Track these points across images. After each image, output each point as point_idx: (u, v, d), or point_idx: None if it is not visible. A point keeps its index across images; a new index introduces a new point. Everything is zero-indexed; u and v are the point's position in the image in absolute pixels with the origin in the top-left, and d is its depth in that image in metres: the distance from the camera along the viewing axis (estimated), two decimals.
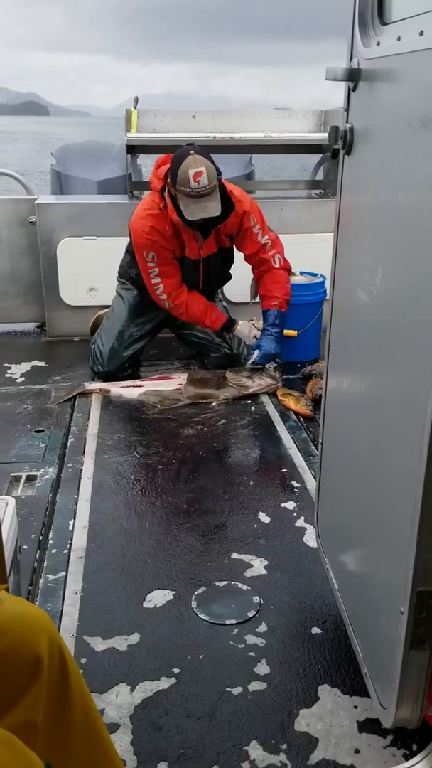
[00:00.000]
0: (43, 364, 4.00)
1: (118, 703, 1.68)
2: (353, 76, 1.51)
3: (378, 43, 1.42)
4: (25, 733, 1.00)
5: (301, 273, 3.93)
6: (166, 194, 3.33)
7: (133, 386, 3.58)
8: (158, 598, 2.05)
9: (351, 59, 1.53)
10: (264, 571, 2.17)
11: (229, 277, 3.79)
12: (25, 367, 3.94)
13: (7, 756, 0.90)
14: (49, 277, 4.31)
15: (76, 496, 2.59)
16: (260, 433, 3.15)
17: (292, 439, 3.06)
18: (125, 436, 3.10)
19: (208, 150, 3.27)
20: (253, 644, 1.87)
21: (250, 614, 1.98)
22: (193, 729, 1.61)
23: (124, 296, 3.76)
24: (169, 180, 3.27)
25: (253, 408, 3.39)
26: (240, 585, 2.10)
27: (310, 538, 2.32)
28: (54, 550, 2.27)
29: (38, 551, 2.23)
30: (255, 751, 1.56)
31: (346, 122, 1.59)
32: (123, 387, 3.57)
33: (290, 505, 2.55)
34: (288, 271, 3.62)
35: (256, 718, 1.64)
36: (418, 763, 1.52)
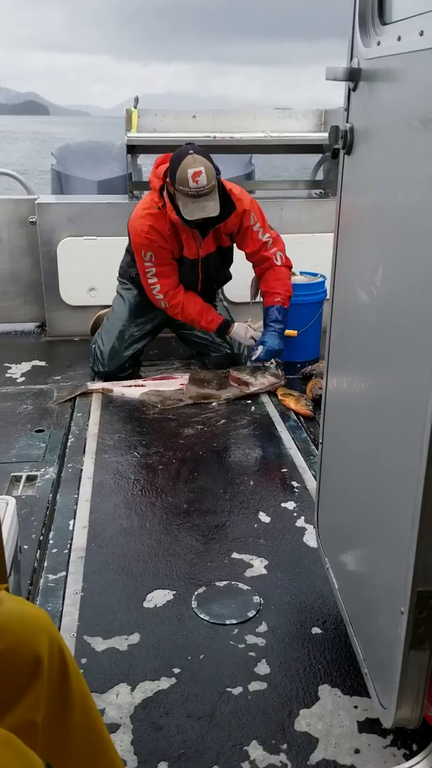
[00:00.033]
0: (43, 364, 4.00)
1: (118, 703, 1.68)
2: (353, 76, 1.51)
3: (378, 43, 1.42)
4: (25, 733, 1.00)
5: (301, 273, 3.93)
6: (165, 193, 3.33)
7: (135, 386, 3.58)
8: (158, 598, 2.05)
9: (351, 59, 1.53)
10: (264, 571, 2.17)
11: (229, 277, 3.79)
12: (26, 367, 3.95)
13: (7, 756, 0.91)
14: (49, 277, 4.31)
15: (76, 496, 2.59)
16: (260, 433, 3.15)
17: (293, 439, 3.06)
18: (125, 436, 3.10)
19: (208, 150, 3.27)
20: (254, 644, 1.87)
21: (251, 614, 1.98)
22: (193, 729, 1.61)
23: (124, 296, 3.76)
24: (168, 179, 3.27)
25: (253, 408, 3.39)
26: (240, 585, 2.10)
27: (311, 538, 2.32)
28: (54, 550, 2.27)
29: (38, 551, 2.23)
30: (255, 751, 1.56)
31: (347, 122, 1.59)
32: (125, 386, 3.57)
33: (290, 505, 2.55)
34: (289, 268, 3.62)
35: (256, 718, 1.64)
36: (418, 763, 1.52)
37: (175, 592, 2.07)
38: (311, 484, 2.67)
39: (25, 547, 2.19)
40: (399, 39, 1.28)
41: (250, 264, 3.64)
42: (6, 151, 37.74)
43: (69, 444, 3.00)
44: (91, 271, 4.23)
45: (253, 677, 1.76)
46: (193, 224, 3.32)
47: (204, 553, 2.26)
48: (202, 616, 1.97)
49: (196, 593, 2.06)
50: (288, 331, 3.68)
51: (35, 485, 2.65)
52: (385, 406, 1.38)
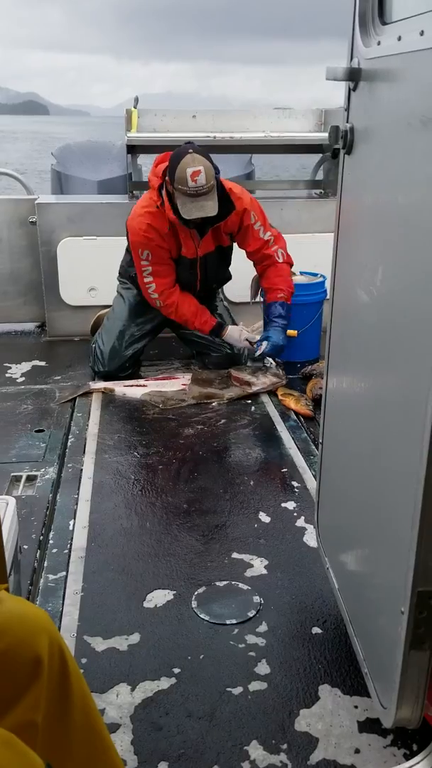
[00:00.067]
0: (43, 364, 4.00)
1: (118, 703, 1.68)
2: (353, 76, 1.51)
3: (378, 43, 1.42)
4: (25, 733, 1.01)
5: (301, 273, 3.92)
6: (163, 192, 3.33)
7: (137, 386, 3.58)
8: (158, 597, 2.05)
9: (351, 59, 1.53)
10: (264, 571, 2.17)
11: (228, 277, 3.78)
12: (26, 367, 3.95)
13: (8, 756, 0.91)
14: (49, 277, 4.31)
15: (76, 496, 2.59)
16: (260, 433, 3.15)
17: (293, 438, 3.06)
18: (125, 436, 3.10)
19: (208, 150, 3.27)
20: (254, 644, 1.87)
21: (251, 614, 1.98)
22: (193, 729, 1.61)
23: (124, 296, 3.76)
24: (167, 178, 3.27)
25: (253, 408, 3.39)
26: (240, 585, 2.10)
27: (311, 538, 2.32)
28: (54, 550, 2.27)
29: (38, 551, 2.23)
30: (255, 751, 1.56)
31: (347, 122, 1.59)
32: (127, 386, 3.57)
33: (290, 504, 2.55)
34: (291, 266, 3.62)
35: (256, 718, 1.64)
36: (418, 763, 1.52)
37: (175, 592, 2.07)
38: (311, 484, 2.67)
39: (25, 547, 2.19)
40: (399, 39, 1.28)
41: (250, 264, 3.64)
42: (6, 151, 37.74)
43: (69, 444, 3.00)
44: (91, 271, 4.23)
45: (254, 677, 1.76)
46: (191, 224, 3.32)
47: (204, 553, 2.26)
48: (202, 616, 1.97)
49: (196, 593, 2.06)
50: (288, 331, 3.68)
51: (35, 485, 2.65)
52: (385, 406, 1.38)
